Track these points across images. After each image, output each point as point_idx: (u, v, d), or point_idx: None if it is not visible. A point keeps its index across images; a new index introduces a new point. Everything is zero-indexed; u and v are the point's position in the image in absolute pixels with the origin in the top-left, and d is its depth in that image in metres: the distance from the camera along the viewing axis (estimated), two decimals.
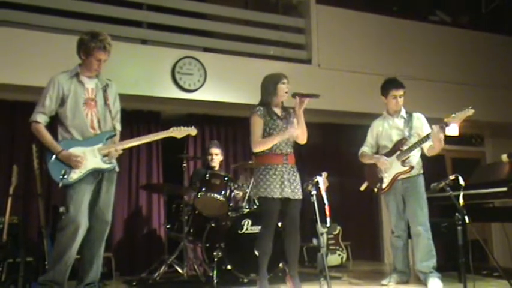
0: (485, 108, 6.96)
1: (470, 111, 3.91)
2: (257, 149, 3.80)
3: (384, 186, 4.36)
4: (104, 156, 3.49)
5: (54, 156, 3.36)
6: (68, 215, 3.31)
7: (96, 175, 3.48)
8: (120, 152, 3.57)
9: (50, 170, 3.35)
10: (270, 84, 3.89)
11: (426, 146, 4.21)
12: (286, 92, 3.84)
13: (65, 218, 3.32)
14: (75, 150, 3.39)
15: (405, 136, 4.30)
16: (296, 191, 3.79)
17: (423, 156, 4.36)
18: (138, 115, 5.89)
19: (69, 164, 3.35)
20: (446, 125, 3.98)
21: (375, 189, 4.46)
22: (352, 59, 6.34)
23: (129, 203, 5.82)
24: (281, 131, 3.81)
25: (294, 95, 3.82)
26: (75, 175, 3.36)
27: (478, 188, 4.58)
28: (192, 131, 3.84)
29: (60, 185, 3.30)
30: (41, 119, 3.41)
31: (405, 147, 4.26)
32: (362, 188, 4.57)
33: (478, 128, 7.74)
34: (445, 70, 6.83)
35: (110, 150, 3.49)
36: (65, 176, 3.32)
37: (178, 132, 3.80)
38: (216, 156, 5.27)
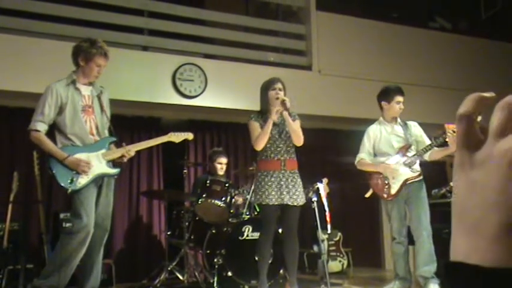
0: (485, 114, 6.97)
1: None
2: (258, 145, 3.81)
3: (392, 192, 4.33)
4: (109, 161, 3.51)
5: (59, 163, 3.36)
6: (80, 221, 3.30)
7: (98, 180, 3.48)
8: (133, 154, 3.61)
9: (58, 176, 3.34)
10: (262, 92, 3.94)
11: (427, 153, 4.24)
12: (277, 98, 3.85)
13: (77, 224, 3.30)
14: (79, 156, 3.39)
15: (409, 142, 4.32)
16: (295, 197, 3.78)
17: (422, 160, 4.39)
18: (139, 121, 5.90)
19: (76, 169, 3.34)
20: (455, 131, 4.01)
21: (384, 196, 4.42)
22: (353, 65, 6.36)
23: (130, 209, 5.82)
24: (273, 138, 3.83)
25: (281, 102, 3.84)
26: (83, 180, 3.36)
27: None
28: (189, 135, 3.94)
29: (69, 191, 3.30)
30: (40, 127, 3.40)
31: (411, 153, 4.28)
32: (367, 195, 4.55)
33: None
34: (445, 76, 6.84)
35: (119, 154, 3.52)
36: (73, 182, 3.32)
37: (176, 137, 3.87)
38: (224, 165, 5.28)
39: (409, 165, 4.28)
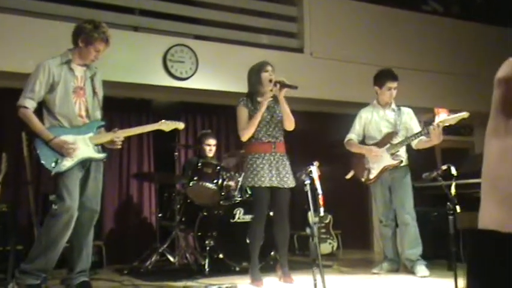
0: (475, 98, 7.00)
1: (465, 114, 3.97)
2: (244, 135, 3.83)
3: (371, 177, 4.41)
4: (97, 145, 3.48)
5: (45, 144, 3.32)
6: (63, 204, 3.28)
7: (85, 164, 3.45)
8: (122, 139, 3.57)
9: (42, 157, 3.30)
10: (253, 75, 3.91)
11: (415, 141, 4.26)
12: (270, 81, 3.83)
13: (60, 207, 3.28)
14: (66, 138, 3.35)
15: (396, 130, 4.33)
16: (285, 179, 3.79)
17: (410, 146, 4.41)
18: (129, 103, 5.85)
19: (61, 151, 3.31)
20: (442, 123, 4.02)
21: (362, 179, 4.49)
22: (345, 48, 6.32)
23: (120, 191, 5.80)
24: (264, 120, 3.82)
25: (274, 83, 3.82)
26: (67, 163, 3.32)
27: (468, 178, 4.63)
28: (180, 125, 3.90)
29: (53, 173, 3.26)
30: (29, 104, 3.34)
31: (395, 141, 4.29)
32: (348, 176, 4.61)
33: (468, 119, 7.77)
34: (437, 60, 6.83)
35: (107, 139, 3.50)
36: (58, 164, 3.28)
37: (166, 125, 3.85)
38: (213, 147, 5.27)
39: (391, 153, 4.30)
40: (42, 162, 3.29)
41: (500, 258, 0.37)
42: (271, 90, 3.83)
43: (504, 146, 0.39)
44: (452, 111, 7.25)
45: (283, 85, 3.76)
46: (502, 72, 0.41)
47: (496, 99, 0.41)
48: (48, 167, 3.28)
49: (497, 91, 0.41)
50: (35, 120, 3.34)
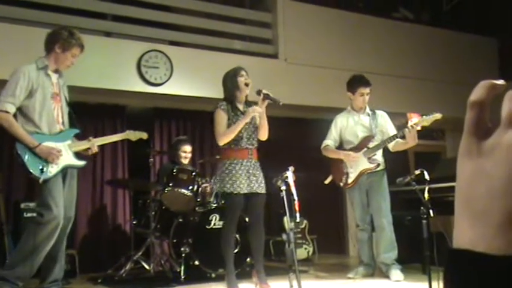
0: (447, 103, 7.14)
1: (438, 116, 4.04)
2: (222, 140, 3.80)
3: (349, 181, 4.45)
4: (74, 153, 3.48)
5: (28, 150, 3.26)
6: (50, 213, 3.24)
7: (64, 171, 3.43)
8: (97, 149, 3.62)
9: (28, 164, 3.25)
10: (229, 80, 3.91)
11: (391, 143, 4.32)
12: (246, 84, 3.84)
13: (47, 215, 3.24)
14: (48, 145, 3.33)
15: (372, 133, 4.39)
16: (262, 185, 3.82)
17: (386, 149, 4.47)
18: (103, 109, 5.77)
19: (47, 158, 3.27)
20: (416, 125, 4.10)
21: (341, 184, 4.53)
22: (319, 54, 6.38)
23: (94, 198, 5.71)
24: (244, 126, 3.82)
25: (258, 92, 3.82)
26: (53, 170, 3.30)
27: (440, 182, 4.71)
28: (143, 135, 4.07)
29: (41, 180, 3.22)
30: (10, 108, 3.29)
31: (372, 145, 4.35)
32: (326, 181, 4.65)
33: (440, 123, 7.92)
34: (409, 66, 6.96)
35: (85, 147, 3.51)
36: (45, 171, 3.24)
37: (133, 135, 3.98)
38: (189, 154, 5.23)
39: (368, 157, 4.36)
40: (30, 169, 3.24)
41: (473, 277, 0.38)
42: (262, 101, 3.80)
43: (477, 167, 0.40)
44: (424, 116, 7.41)
45: (266, 97, 3.77)
46: (474, 95, 0.42)
47: (468, 122, 0.42)
48: (36, 174, 3.23)
49: (469, 113, 0.42)
50: (17, 125, 3.30)
